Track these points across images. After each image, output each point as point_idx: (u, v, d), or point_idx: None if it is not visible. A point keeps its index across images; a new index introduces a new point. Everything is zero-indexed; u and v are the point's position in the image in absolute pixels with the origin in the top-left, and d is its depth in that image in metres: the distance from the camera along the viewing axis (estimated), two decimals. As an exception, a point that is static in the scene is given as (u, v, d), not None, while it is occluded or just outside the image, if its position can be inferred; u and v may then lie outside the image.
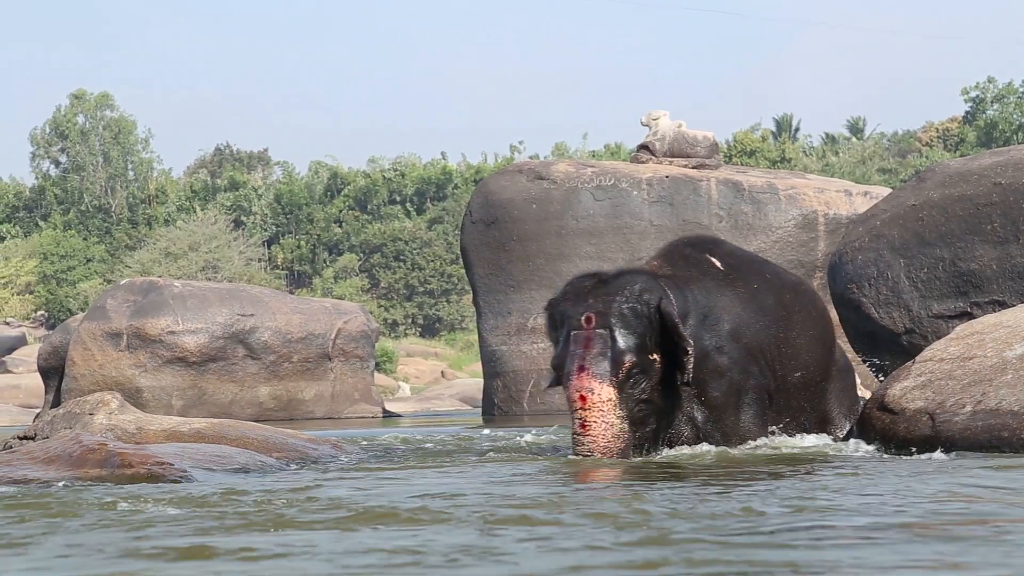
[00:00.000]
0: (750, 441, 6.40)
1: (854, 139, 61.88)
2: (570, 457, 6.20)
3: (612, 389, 5.96)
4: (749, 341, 6.46)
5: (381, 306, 50.87)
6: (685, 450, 6.26)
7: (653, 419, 6.17)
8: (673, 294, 6.29)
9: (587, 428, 5.94)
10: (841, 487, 4.61)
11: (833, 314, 8.15)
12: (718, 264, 6.65)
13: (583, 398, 5.95)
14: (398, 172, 59.40)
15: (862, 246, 10.10)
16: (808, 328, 6.83)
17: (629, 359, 5.98)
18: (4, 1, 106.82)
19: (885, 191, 16.84)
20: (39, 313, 51.24)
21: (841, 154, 57.86)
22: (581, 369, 5.97)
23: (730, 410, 6.36)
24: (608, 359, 5.97)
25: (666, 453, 6.21)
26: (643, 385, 6.05)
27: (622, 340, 6.01)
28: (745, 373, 6.41)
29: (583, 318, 6.05)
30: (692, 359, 6.09)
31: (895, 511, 3.86)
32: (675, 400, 6.25)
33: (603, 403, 5.94)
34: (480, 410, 18.42)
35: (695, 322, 6.31)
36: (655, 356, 6.08)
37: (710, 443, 6.31)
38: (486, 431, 10.19)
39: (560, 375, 6.12)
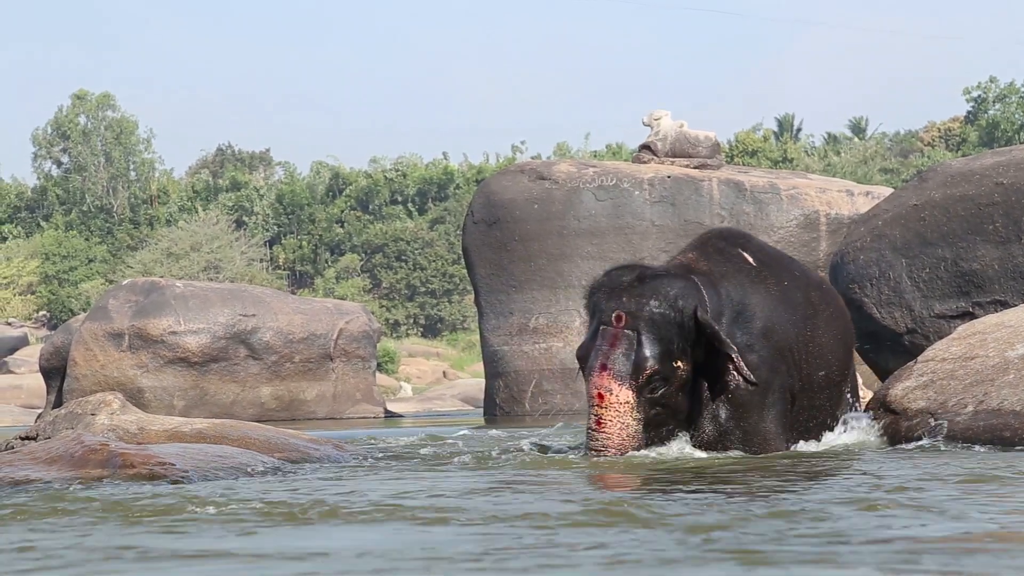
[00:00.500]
0: (771, 441, 6.38)
1: (856, 139, 61.86)
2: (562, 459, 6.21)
3: (630, 392, 5.98)
4: (779, 340, 6.45)
5: (383, 306, 50.88)
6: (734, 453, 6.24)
7: (673, 421, 6.16)
8: (709, 292, 6.29)
9: (602, 426, 5.98)
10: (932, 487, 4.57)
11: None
12: (750, 260, 6.64)
13: (601, 396, 5.99)
14: (400, 172, 59.41)
15: (864, 246, 10.10)
16: (832, 327, 6.82)
17: (651, 366, 5.99)
18: (5, 1, 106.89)
19: (887, 191, 16.83)
20: (41, 313, 51.27)
21: (843, 154, 57.84)
22: (603, 368, 6.00)
23: (754, 409, 6.33)
24: (631, 362, 5.99)
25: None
26: (663, 391, 6.05)
27: (647, 346, 6.02)
28: (773, 372, 6.39)
29: (613, 315, 6.06)
30: (739, 362, 6.09)
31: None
32: (699, 403, 6.25)
33: (620, 404, 5.97)
34: (482, 410, 18.42)
35: (728, 319, 6.31)
36: (680, 363, 6.07)
37: (730, 440, 6.27)
38: (492, 432, 10.18)
39: (583, 367, 6.15)
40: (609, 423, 5.96)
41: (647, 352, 6.00)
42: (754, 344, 6.34)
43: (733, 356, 6.07)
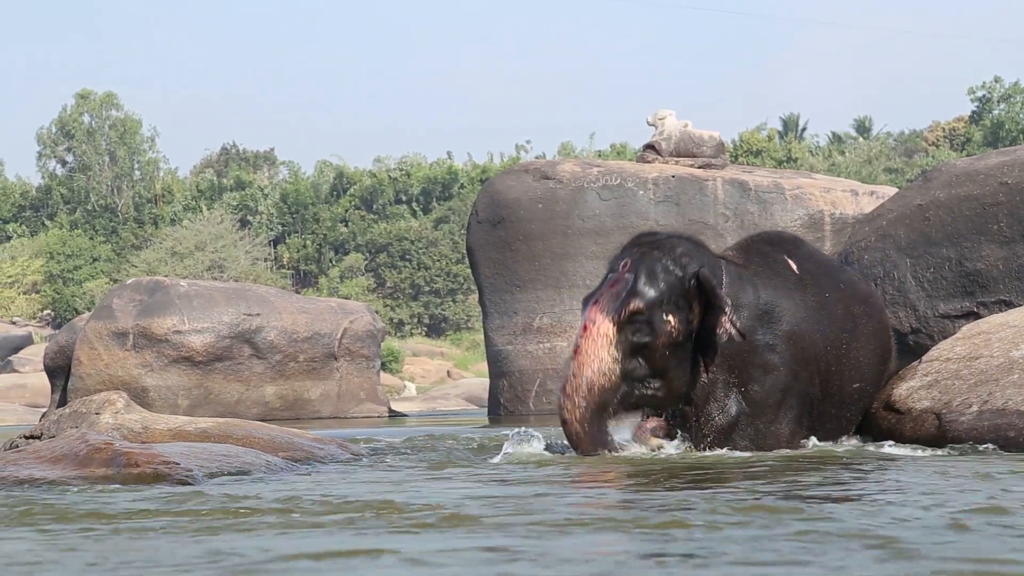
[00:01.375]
0: (782, 444, 6.37)
1: (860, 139, 61.77)
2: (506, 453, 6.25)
3: (611, 325, 6.05)
4: (805, 347, 6.46)
5: (387, 305, 50.86)
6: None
7: (655, 384, 6.15)
8: (732, 280, 6.36)
9: (578, 354, 6.08)
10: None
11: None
12: (793, 266, 6.67)
13: (585, 327, 6.10)
14: (404, 172, 59.38)
15: (868, 246, 10.09)
16: (871, 341, 6.85)
17: (635, 304, 6.07)
18: (7, 1, 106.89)
19: (891, 191, 16.80)
20: (45, 312, 51.29)
21: (847, 154, 57.76)
22: (595, 303, 6.15)
23: (768, 410, 6.34)
24: (619, 299, 6.07)
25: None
26: (646, 340, 6.07)
27: (638, 286, 6.11)
28: (793, 377, 6.40)
29: (622, 264, 6.20)
30: (731, 316, 6.13)
31: None
32: (703, 388, 6.25)
33: (599, 336, 6.06)
34: (486, 410, 18.41)
35: (750, 315, 6.35)
36: (671, 318, 6.10)
37: (740, 436, 6.27)
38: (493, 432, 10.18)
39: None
40: (585, 353, 6.04)
41: (636, 290, 6.09)
42: (776, 345, 6.36)
43: (726, 310, 6.12)
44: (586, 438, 5.99)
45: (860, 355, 6.74)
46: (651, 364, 6.11)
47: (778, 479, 4.91)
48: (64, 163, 60.21)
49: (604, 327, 6.03)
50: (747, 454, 6.10)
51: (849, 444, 6.74)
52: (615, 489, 4.85)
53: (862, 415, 6.93)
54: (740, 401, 6.29)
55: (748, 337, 6.28)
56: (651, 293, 6.09)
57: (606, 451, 6.01)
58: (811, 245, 7.45)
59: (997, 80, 56.32)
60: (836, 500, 4.17)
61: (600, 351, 6.01)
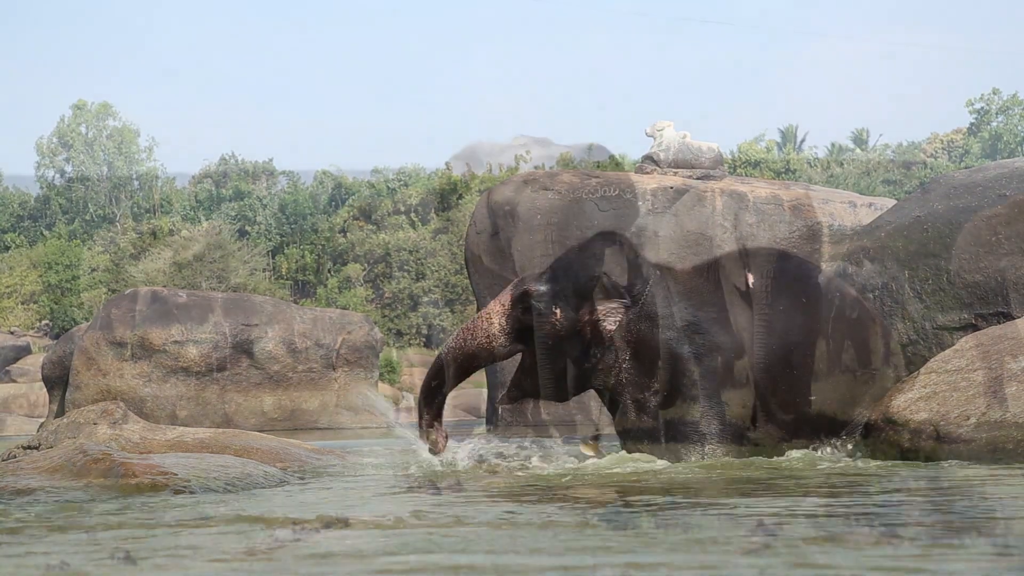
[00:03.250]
0: (706, 443, 6.56)
1: (859, 150, 61.81)
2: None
3: None
4: (726, 352, 6.61)
5: (385, 316, 50.82)
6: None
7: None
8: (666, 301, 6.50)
9: None
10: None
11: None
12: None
13: None
14: (402, 182, 59.40)
15: (866, 257, 10.09)
16: (800, 332, 6.93)
17: None
18: (8, 4, 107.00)
19: (890, 202, 16.80)
20: (43, 323, 51.23)
21: (846, 165, 57.79)
22: None
23: (680, 411, 6.52)
24: None
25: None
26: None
27: None
28: (705, 379, 6.58)
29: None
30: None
31: None
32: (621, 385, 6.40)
33: None
34: (484, 420, 18.39)
35: (675, 333, 6.57)
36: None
37: (660, 435, 6.47)
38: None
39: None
40: None
41: None
42: (695, 353, 6.55)
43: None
44: None
45: (792, 350, 6.82)
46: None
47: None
48: (63, 173, 60.22)
49: None
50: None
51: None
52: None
53: (826, 405, 6.94)
54: (658, 398, 6.60)
55: (673, 349, 6.45)
56: None
57: None
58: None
59: (995, 92, 56.40)
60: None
61: None
